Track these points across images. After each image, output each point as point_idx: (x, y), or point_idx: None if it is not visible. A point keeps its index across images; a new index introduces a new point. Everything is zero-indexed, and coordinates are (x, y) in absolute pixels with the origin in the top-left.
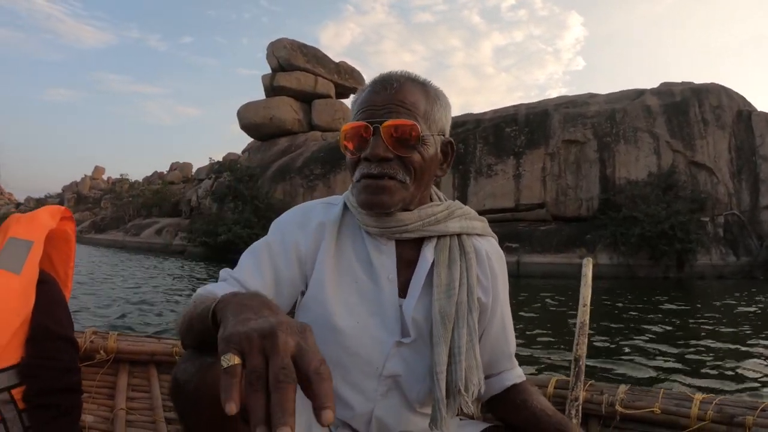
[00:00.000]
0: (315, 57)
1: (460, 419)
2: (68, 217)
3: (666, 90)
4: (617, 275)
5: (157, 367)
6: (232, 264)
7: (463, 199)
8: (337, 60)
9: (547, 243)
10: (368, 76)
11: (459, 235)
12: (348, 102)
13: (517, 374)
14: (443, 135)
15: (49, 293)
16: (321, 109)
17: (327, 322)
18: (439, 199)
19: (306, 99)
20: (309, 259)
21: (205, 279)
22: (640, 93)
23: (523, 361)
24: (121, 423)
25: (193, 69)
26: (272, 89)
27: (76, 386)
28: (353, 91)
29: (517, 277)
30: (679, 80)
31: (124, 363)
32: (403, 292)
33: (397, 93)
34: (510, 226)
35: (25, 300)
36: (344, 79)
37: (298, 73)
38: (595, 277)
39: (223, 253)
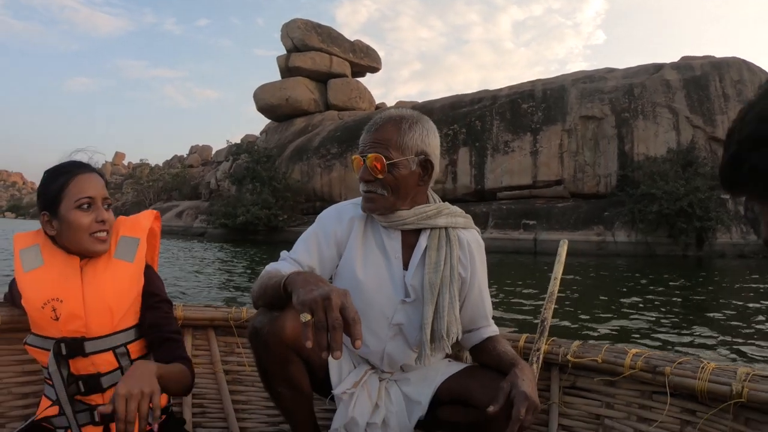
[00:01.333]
0: (329, 36)
1: (449, 361)
2: (157, 217)
3: (685, 64)
4: (635, 253)
5: (214, 330)
6: (252, 244)
7: (480, 177)
8: (353, 38)
9: (564, 220)
10: (385, 54)
11: (446, 228)
12: (364, 81)
13: (491, 330)
14: (423, 155)
15: (150, 274)
16: (337, 88)
17: (355, 285)
18: (435, 201)
19: (321, 79)
20: (343, 242)
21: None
22: (659, 67)
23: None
24: None
25: (210, 51)
26: (287, 70)
27: (180, 330)
28: (369, 69)
29: (534, 254)
30: (702, 54)
31: (188, 327)
32: (406, 266)
33: (375, 133)
34: (527, 203)
35: (137, 280)
36: (360, 57)
37: (312, 53)
38: (613, 255)
39: (243, 234)
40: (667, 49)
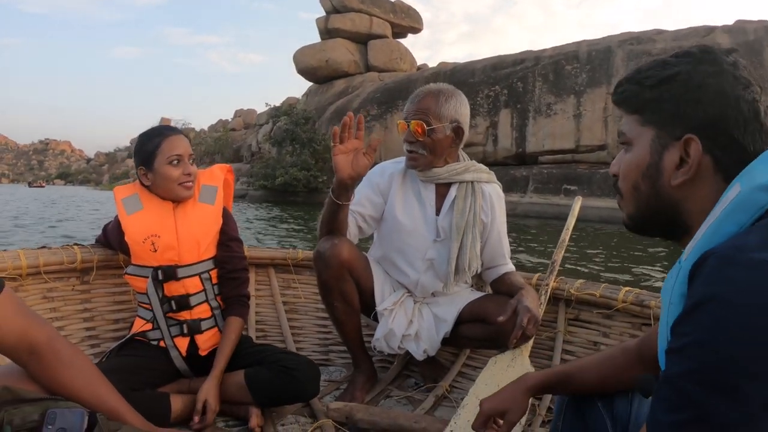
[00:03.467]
0: None
1: (472, 290)
2: (230, 170)
3: (738, 28)
4: None
5: (274, 268)
6: (292, 205)
7: (522, 140)
8: None
9: (606, 187)
10: (431, 16)
11: (472, 182)
12: (405, 42)
13: (508, 267)
14: (456, 122)
15: (227, 216)
16: (377, 49)
17: (397, 226)
18: (464, 159)
19: (361, 40)
20: (386, 192)
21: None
22: (710, 30)
23: None
24: (253, 304)
25: (253, 15)
26: (327, 32)
27: (246, 266)
28: (410, 30)
29: (575, 220)
30: (758, 19)
31: (252, 265)
32: (438, 212)
33: (418, 103)
34: (569, 168)
35: (217, 220)
36: (400, 18)
37: (352, 14)
38: None
39: (282, 195)
40: (724, 13)
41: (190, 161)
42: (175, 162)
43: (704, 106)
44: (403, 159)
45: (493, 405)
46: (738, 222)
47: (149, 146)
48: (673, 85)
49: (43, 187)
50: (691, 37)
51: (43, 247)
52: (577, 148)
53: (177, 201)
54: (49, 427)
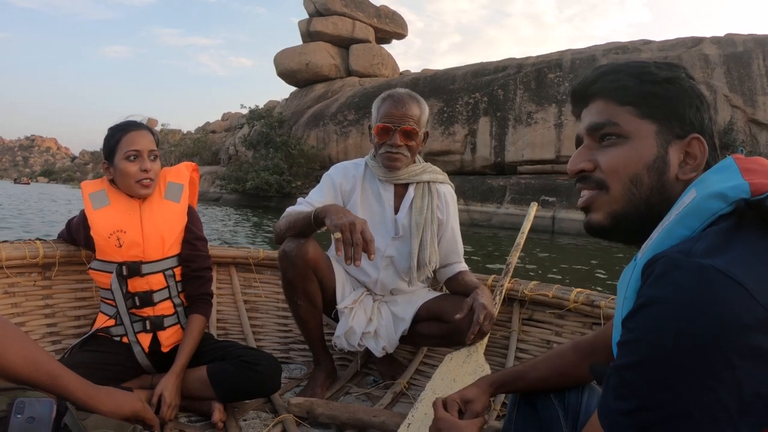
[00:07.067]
0: (353, 1)
1: (429, 289)
2: (195, 168)
3: (727, 39)
4: None
5: (235, 267)
6: (263, 210)
7: (501, 149)
8: (390, 8)
9: None
10: (424, 25)
11: (428, 182)
12: (388, 47)
13: (462, 266)
14: (425, 128)
15: (192, 214)
16: (359, 54)
17: None
18: (420, 162)
19: (343, 44)
20: (347, 193)
21: None
22: (698, 41)
23: None
24: (214, 302)
25: (244, 19)
26: (309, 35)
27: (210, 265)
28: (395, 35)
29: (551, 233)
30: (748, 33)
31: (213, 264)
32: (396, 211)
33: (408, 109)
34: (548, 179)
35: (182, 218)
36: (384, 23)
37: (335, 17)
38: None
39: (255, 199)
40: (714, 28)
41: (151, 158)
42: (132, 158)
43: (701, 113)
44: (361, 161)
45: (457, 395)
46: (690, 226)
47: (111, 141)
48: (676, 86)
49: (29, 184)
50: (678, 48)
51: (5, 241)
52: (558, 159)
53: (140, 198)
54: (18, 416)
